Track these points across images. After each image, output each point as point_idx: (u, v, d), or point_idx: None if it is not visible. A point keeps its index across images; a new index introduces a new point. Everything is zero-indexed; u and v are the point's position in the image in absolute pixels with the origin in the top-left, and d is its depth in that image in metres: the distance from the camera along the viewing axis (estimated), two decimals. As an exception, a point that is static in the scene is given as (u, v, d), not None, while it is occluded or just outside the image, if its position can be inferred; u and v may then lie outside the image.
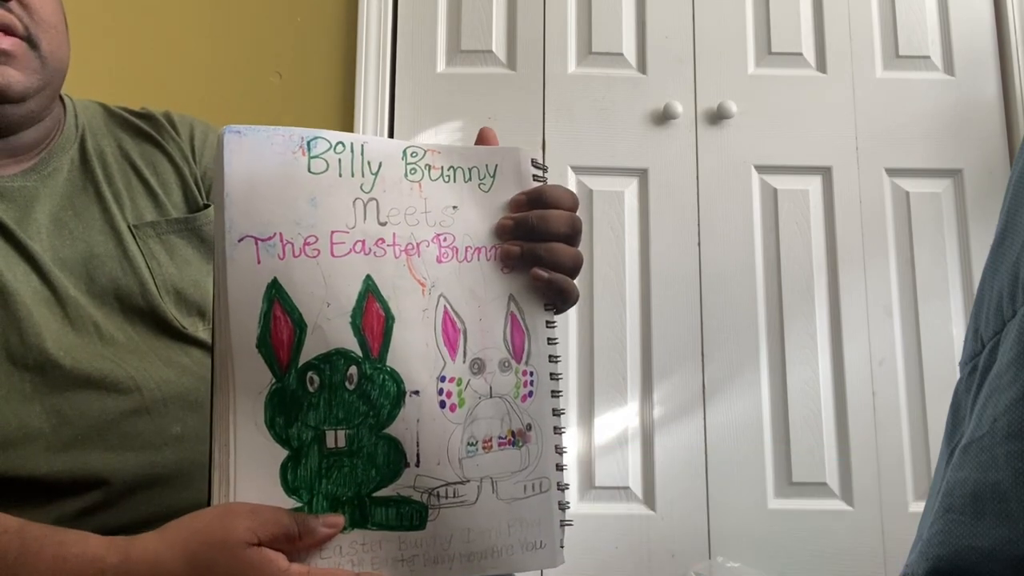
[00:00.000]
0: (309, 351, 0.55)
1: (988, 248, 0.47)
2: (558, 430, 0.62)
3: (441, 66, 1.80)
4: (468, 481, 0.58)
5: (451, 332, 0.59)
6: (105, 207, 0.76)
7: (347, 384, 0.56)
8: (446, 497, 0.57)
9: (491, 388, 0.59)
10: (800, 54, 1.82)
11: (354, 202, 0.57)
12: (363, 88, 1.74)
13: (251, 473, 0.54)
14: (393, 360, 0.56)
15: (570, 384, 1.70)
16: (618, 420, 1.69)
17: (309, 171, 0.56)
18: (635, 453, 1.69)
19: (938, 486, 0.46)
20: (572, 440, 1.67)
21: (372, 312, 0.56)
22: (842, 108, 1.80)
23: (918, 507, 1.65)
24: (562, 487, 0.61)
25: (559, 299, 0.63)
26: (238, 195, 0.55)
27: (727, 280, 1.74)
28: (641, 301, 1.73)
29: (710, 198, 1.76)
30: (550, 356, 0.62)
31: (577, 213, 0.64)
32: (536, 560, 0.59)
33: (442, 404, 0.57)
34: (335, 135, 0.58)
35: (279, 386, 0.55)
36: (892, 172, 1.79)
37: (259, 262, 0.55)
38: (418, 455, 0.56)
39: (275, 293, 0.55)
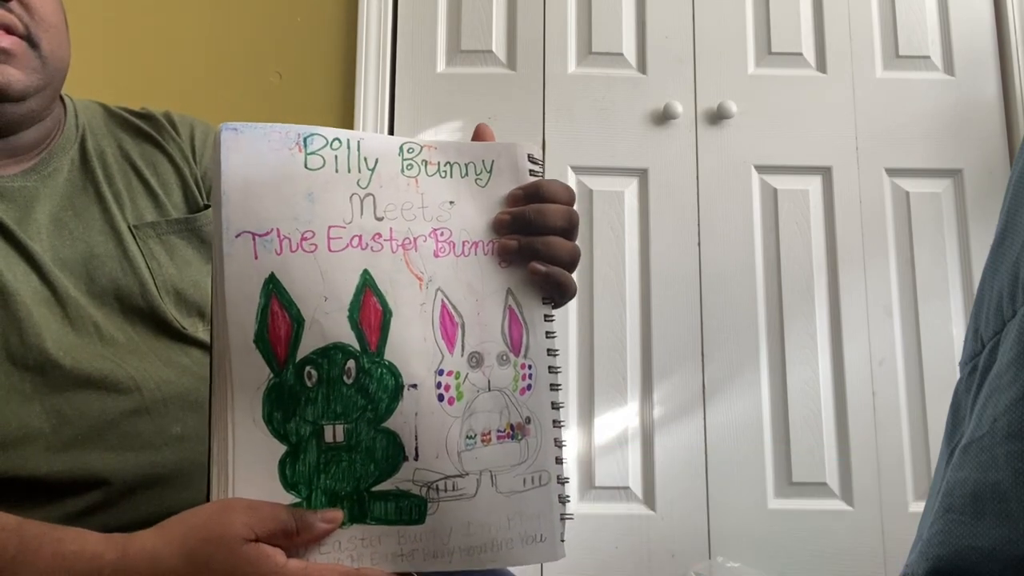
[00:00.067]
0: (307, 346, 0.55)
1: (988, 248, 0.47)
2: (557, 423, 0.62)
3: (441, 66, 1.80)
4: (467, 474, 0.58)
5: (449, 326, 0.59)
6: (105, 207, 0.76)
7: (345, 378, 0.56)
8: (445, 491, 0.57)
9: (489, 381, 0.59)
10: (800, 54, 1.82)
11: (351, 198, 0.57)
12: (363, 88, 1.74)
13: (249, 469, 0.54)
14: (391, 354, 0.56)
15: (570, 384, 1.70)
16: (618, 420, 1.69)
17: (306, 167, 0.57)
18: (635, 453, 1.69)
19: (938, 486, 0.46)
20: (572, 440, 1.67)
21: (369, 306, 0.56)
22: (842, 108, 1.80)
23: (918, 507, 1.65)
24: (562, 480, 0.61)
25: (557, 293, 0.63)
26: (235, 192, 0.55)
27: (727, 280, 1.74)
28: (641, 301, 1.73)
29: (710, 198, 1.76)
30: (548, 349, 0.62)
31: (575, 210, 0.64)
32: (536, 553, 0.59)
33: (440, 397, 0.57)
34: (331, 131, 0.58)
35: (277, 381, 0.55)
36: (892, 172, 1.79)
37: (256, 258, 0.55)
38: (417, 449, 0.56)
39: (272, 288, 0.55)
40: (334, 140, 0.58)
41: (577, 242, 0.65)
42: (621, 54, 1.81)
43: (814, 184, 1.78)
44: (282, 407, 0.55)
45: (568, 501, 0.62)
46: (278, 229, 0.55)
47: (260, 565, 0.52)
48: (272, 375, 0.55)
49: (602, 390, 1.70)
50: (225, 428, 0.55)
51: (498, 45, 1.81)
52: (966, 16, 1.84)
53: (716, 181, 1.77)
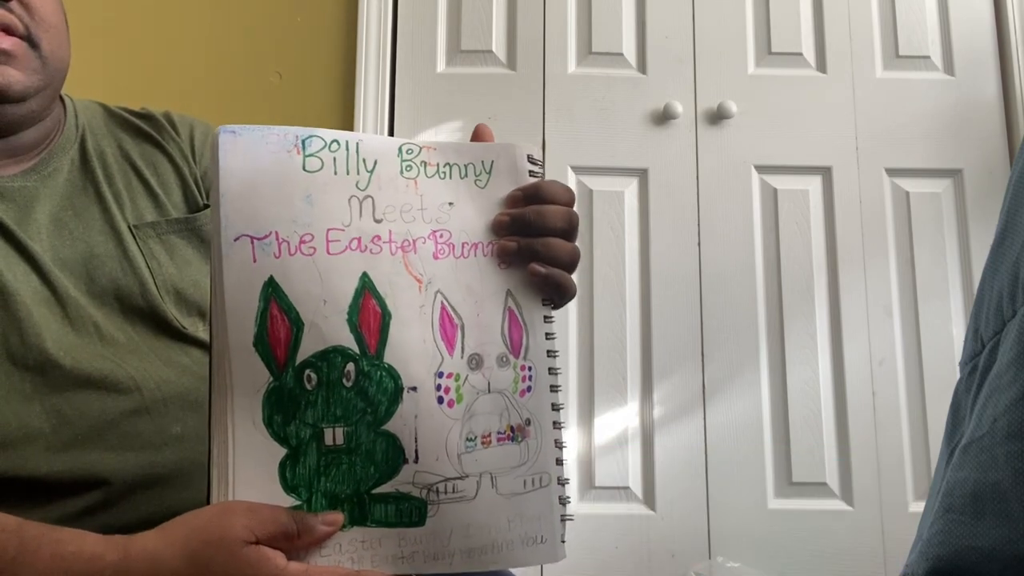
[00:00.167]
0: (306, 349, 0.55)
1: (988, 248, 0.47)
2: (557, 425, 0.62)
3: (441, 66, 1.80)
4: (467, 476, 0.57)
5: (448, 328, 0.59)
6: (105, 207, 0.76)
7: (345, 381, 0.56)
8: (445, 493, 0.57)
9: (489, 383, 0.59)
10: (800, 54, 1.82)
11: (350, 200, 0.57)
12: (363, 88, 1.74)
13: (250, 471, 0.54)
14: (390, 356, 0.56)
15: (570, 384, 1.70)
16: (618, 420, 1.69)
17: (304, 169, 0.57)
18: (635, 453, 1.69)
19: (938, 486, 0.46)
20: (572, 440, 1.67)
21: (369, 309, 0.56)
22: (842, 108, 1.80)
23: (918, 507, 1.65)
24: (562, 482, 0.61)
25: (556, 294, 0.63)
26: (233, 194, 0.55)
27: (727, 280, 1.74)
28: (641, 301, 1.73)
29: (710, 198, 1.76)
30: (548, 351, 0.62)
31: (575, 211, 0.64)
32: (537, 555, 0.59)
33: (440, 400, 0.57)
34: (330, 133, 0.58)
35: (276, 384, 0.55)
36: (892, 172, 1.79)
37: (255, 261, 0.55)
38: (416, 451, 0.56)
39: (271, 291, 0.55)
40: (332, 142, 0.57)
41: (577, 242, 0.65)
42: (621, 54, 1.81)
43: (814, 184, 1.78)
44: (282, 410, 0.55)
45: (568, 502, 0.62)
46: (277, 232, 0.55)
47: (261, 567, 0.52)
48: (272, 378, 0.55)
49: (602, 390, 1.70)
50: (225, 431, 0.55)
51: (498, 45, 1.81)
52: (966, 16, 1.84)
53: (716, 181, 1.77)
